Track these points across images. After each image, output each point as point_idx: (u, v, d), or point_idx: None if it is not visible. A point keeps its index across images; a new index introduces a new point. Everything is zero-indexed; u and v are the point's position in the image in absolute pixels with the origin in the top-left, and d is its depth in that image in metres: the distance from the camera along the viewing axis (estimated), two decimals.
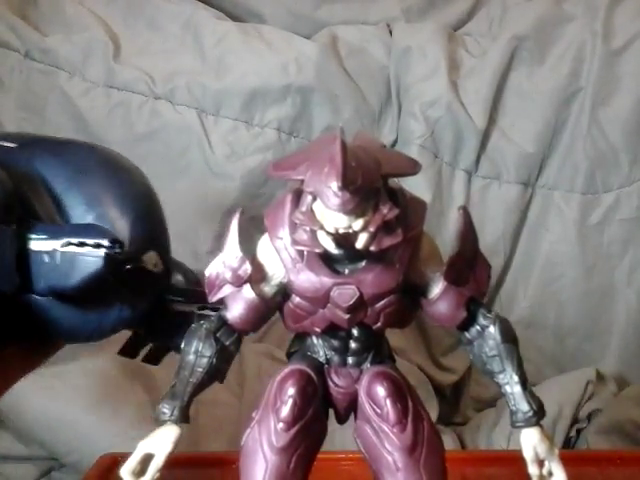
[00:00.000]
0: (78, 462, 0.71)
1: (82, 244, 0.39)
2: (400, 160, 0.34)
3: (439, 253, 0.35)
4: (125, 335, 0.50)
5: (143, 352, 0.52)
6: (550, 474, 0.35)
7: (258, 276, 0.35)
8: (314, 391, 0.35)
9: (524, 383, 0.34)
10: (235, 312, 0.35)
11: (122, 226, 0.43)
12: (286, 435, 0.34)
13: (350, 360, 0.37)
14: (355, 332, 0.36)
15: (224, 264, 0.35)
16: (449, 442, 0.83)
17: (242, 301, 0.34)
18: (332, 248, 0.31)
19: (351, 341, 0.36)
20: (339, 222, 0.30)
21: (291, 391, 0.34)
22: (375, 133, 0.97)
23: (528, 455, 0.34)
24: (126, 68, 0.93)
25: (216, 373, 0.35)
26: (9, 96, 0.93)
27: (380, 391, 0.35)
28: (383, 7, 1.06)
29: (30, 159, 0.44)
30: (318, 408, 0.36)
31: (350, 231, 0.30)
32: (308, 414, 0.35)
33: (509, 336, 0.35)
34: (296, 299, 0.34)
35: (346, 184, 0.29)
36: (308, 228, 0.31)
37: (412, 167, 0.34)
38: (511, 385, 0.34)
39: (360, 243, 0.31)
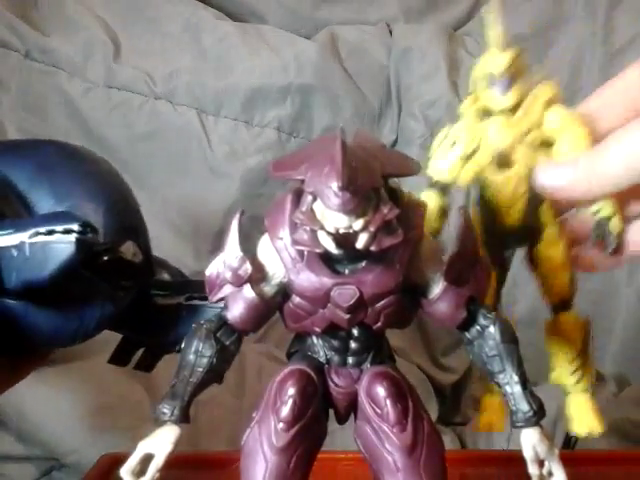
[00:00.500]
0: (78, 462, 0.71)
1: (51, 232, 0.37)
2: (400, 160, 0.34)
3: (439, 253, 0.35)
4: (116, 340, 0.48)
5: (135, 359, 0.49)
6: (550, 474, 0.35)
7: (258, 276, 0.35)
8: (314, 391, 0.35)
9: (524, 383, 0.34)
10: (235, 312, 0.35)
11: (95, 218, 0.40)
12: (286, 435, 0.34)
13: (350, 360, 0.37)
14: (355, 332, 0.36)
15: (224, 264, 0.35)
16: (449, 442, 0.83)
17: (242, 301, 0.34)
18: (332, 248, 0.31)
19: (351, 341, 0.36)
20: (339, 222, 0.30)
21: (291, 391, 0.34)
22: (375, 133, 0.97)
23: (528, 455, 0.34)
24: (126, 68, 0.93)
25: (216, 373, 0.35)
26: (9, 96, 0.93)
27: (380, 391, 0.35)
28: (383, 7, 1.06)
29: None
30: (318, 408, 0.36)
31: (350, 231, 0.30)
32: (308, 414, 0.35)
33: (509, 336, 0.35)
34: (296, 299, 0.34)
35: (346, 184, 0.29)
36: (308, 228, 0.31)
37: (412, 167, 0.34)
38: (511, 385, 0.34)
39: (360, 243, 0.31)
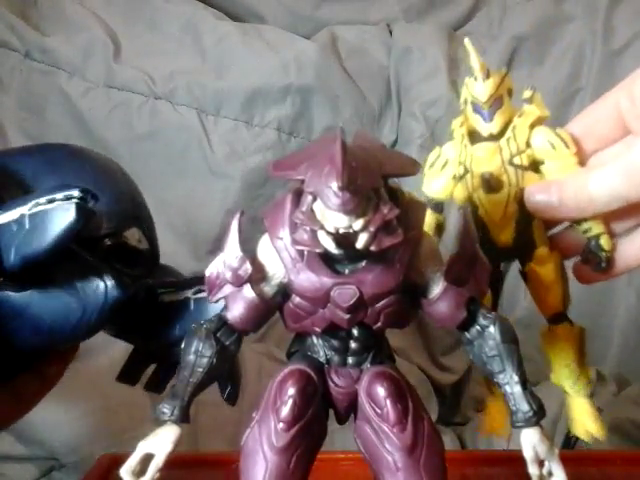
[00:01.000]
0: (78, 462, 0.71)
1: (51, 201, 0.36)
2: (400, 160, 0.34)
3: (439, 253, 0.35)
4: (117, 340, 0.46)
5: (145, 378, 0.48)
6: (550, 474, 0.35)
7: (258, 276, 0.35)
8: (314, 391, 0.35)
9: (524, 383, 0.34)
10: (235, 312, 0.35)
11: (101, 202, 0.39)
12: (286, 435, 0.34)
13: (350, 360, 0.37)
14: (355, 332, 0.36)
15: (224, 264, 0.35)
16: (449, 442, 0.83)
17: (242, 301, 0.34)
18: (332, 248, 0.31)
19: (351, 341, 0.36)
20: (339, 222, 0.30)
21: (291, 391, 0.34)
22: (375, 133, 0.97)
23: (528, 455, 0.34)
24: (126, 68, 0.93)
25: (216, 373, 0.35)
26: (9, 96, 0.93)
27: (380, 391, 0.35)
28: (383, 7, 1.06)
29: None
30: (318, 408, 0.36)
31: (350, 231, 0.31)
32: (308, 414, 0.35)
33: (509, 336, 0.35)
34: (296, 299, 0.34)
35: (346, 184, 0.29)
36: (308, 228, 0.31)
37: (412, 167, 0.34)
38: (511, 385, 0.34)
39: (360, 243, 0.31)
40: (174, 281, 0.46)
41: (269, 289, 0.35)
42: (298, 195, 0.33)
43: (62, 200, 0.36)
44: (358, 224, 0.30)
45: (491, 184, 0.39)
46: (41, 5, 0.97)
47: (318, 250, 0.32)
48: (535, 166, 0.39)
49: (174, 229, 0.93)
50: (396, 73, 0.98)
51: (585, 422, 0.42)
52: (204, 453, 0.68)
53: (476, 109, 0.38)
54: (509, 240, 0.41)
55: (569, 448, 0.79)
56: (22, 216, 0.37)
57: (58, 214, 0.36)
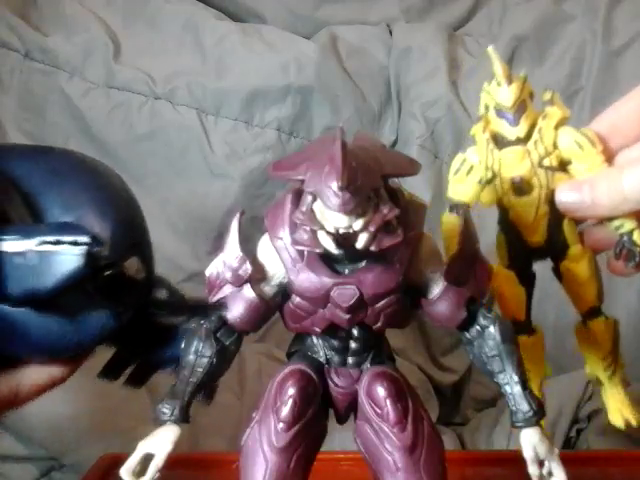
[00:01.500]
0: (78, 462, 0.71)
1: (58, 242, 0.37)
2: (400, 160, 0.34)
3: (439, 253, 0.35)
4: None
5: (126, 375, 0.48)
6: (550, 474, 0.35)
7: (258, 276, 0.35)
8: (314, 391, 0.35)
9: (524, 383, 0.35)
10: (235, 312, 0.35)
11: (102, 230, 0.40)
12: (286, 435, 0.34)
13: (350, 360, 0.37)
14: (355, 332, 0.36)
15: (224, 264, 0.35)
16: (449, 442, 0.83)
17: (242, 301, 0.34)
18: (332, 248, 0.31)
19: (351, 341, 0.36)
20: (339, 222, 0.30)
21: (291, 391, 0.34)
22: (375, 133, 0.97)
23: (528, 455, 0.34)
24: (126, 68, 0.93)
25: (216, 373, 0.35)
26: (9, 96, 0.93)
27: (380, 391, 0.35)
28: (383, 7, 1.06)
29: (0, 162, 0.42)
30: (318, 408, 0.36)
31: (350, 231, 0.31)
32: (308, 414, 0.35)
33: (509, 336, 0.35)
34: (296, 299, 0.34)
35: (346, 184, 0.29)
36: (308, 228, 0.31)
37: (412, 167, 0.34)
38: (511, 385, 0.34)
39: (360, 243, 0.31)
40: (165, 302, 0.46)
41: (269, 289, 0.35)
42: (298, 195, 0.33)
43: (69, 244, 0.37)
44: (358, 224, 0.30)
45: (522, 187, 0.39)
46: (41, 5, 0.97)
47: (318, 250, 0.32)
48: (563, 166, 0.39)
49: (174, 229, 0.93)
50: (396, 73, 0.98)
51: (622, 410, 0.43)
52: (204, 453, 0.68)
53: (500, 114, 0.39)
54: (541, 241, 0.41)
55: (569, 448, 0.79)
56: (29, 251, 0.37)
57: (65, 258, 0.36)
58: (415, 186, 0.87)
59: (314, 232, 0.31)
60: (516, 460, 0.35)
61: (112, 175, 0.45)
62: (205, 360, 0.34)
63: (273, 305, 0.35)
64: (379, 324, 0.35)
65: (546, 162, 0.39)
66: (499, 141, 0.39)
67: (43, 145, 0.48)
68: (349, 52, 1.00)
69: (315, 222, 0.31)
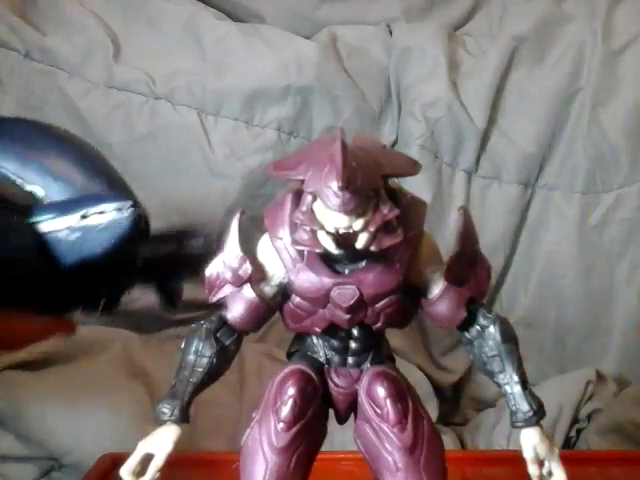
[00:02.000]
0: (78, 462, 0.71)
1: (102, 212, 0.38)
2: (400, 160, 0.34)
3: (439, 253, 0.35)
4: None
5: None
6: (550, 474, 0.35)
7: (258, 276, 0.35)
8: (314, 391, 0.35)
9: (524, 383, 0.35)
10: (235, 312, 0.35)
11: (96, 188, 0.41)
12: (286, 435, 0.34)
13: (350, 360, 0.37)
14: (355, 332, 0.36)
15: (224, 264, 0.35)
16: (449, 442, 0.83)
17: (242, 301, 0.34)
18: (332, 248, 0.31)
19: (351, 341, 0.36)
20: (339, 222, 0.30)
21: (291, 391, 0.34)
22: (375, 133, 0.97)
23: (528, 455, 0.34)
24: (126, 68, 0.93)
25: (216, 373, 0.35)
26: (9, 96, 0.93)
27: (380, 391, 0.35)
28: (383, 7, 1.05)
29: None
30: (318, 408, 0.36)
31: (350, 231, 0.31)
32: (308, 414, 0.35)
33: (509, 336, 0.35)
34: (296, 299, 0.34)
35: (346, 184, 0.29)
36: (308, 228, 0.31)
37: (412, 167, 0.34)
38: (511, 385, 0.34)
39: (360, 243, 0.31)
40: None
41: (269, 289, 0.35)
42: (298, 195, 0.33)
43: (116, 211, 0.38)
44: (358, 224, 0.30)
45: None
46: (41, 5, 0.97)
47: (318, 250, 0.32)
48: None
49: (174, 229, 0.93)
50: (396, 73, 0.98)
51: None
52: (204, 453, 0.68)
53: None
54: None
55: (569, 448, 0.79)
56: (69, 227, 0.38)
57: (115, 224, 0.38)
58: (415, 186, 0.87)
59: (314, 232, 0.31)
60: (516, 460, 0.35)
61: (84, 142, 0.46)
62: (205, 360, 0.34)
63: (273, 305, 0.35)
64: (379, 324, 0.35)
65: None
66: None
67: (8, 117, 0.48)
68: (349, 52, 0.99)
69: (315, 222, 0.31)
